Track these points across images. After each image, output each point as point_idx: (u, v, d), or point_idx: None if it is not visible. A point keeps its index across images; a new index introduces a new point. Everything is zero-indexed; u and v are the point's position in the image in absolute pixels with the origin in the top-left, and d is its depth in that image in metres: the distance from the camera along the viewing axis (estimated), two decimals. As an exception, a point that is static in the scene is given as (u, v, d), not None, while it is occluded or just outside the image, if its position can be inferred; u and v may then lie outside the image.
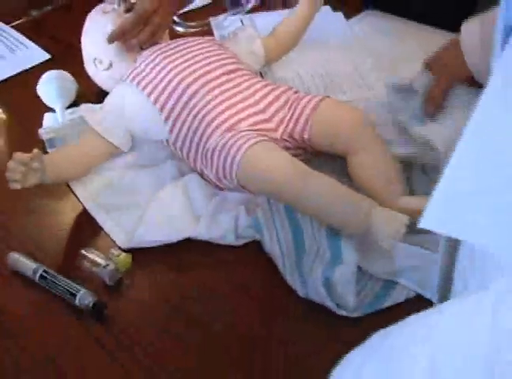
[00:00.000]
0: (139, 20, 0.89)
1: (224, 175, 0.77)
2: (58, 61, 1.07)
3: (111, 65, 0.92)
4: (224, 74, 0.83)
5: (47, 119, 0.92)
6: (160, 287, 0.75)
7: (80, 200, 0.83)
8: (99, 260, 0.74)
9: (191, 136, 0.81)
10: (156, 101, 0.83)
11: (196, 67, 0.83)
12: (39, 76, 1.01)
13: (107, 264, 0.73)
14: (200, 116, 0.80)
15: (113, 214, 0.81)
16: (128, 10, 0.92)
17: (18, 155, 0.73)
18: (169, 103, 0.82)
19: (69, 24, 1.15)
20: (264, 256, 0.76)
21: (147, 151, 0.88)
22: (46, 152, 0.87)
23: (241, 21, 1.09)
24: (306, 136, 0.79)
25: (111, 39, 0.89)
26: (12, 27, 1.15)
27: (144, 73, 0.85)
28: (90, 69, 0.95)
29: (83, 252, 0.75)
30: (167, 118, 0.82)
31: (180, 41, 0.89)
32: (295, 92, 0.83)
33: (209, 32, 1.08)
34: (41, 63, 1.07)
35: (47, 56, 1.08)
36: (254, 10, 1.13)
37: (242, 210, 0.78)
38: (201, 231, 0.77)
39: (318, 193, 0.72)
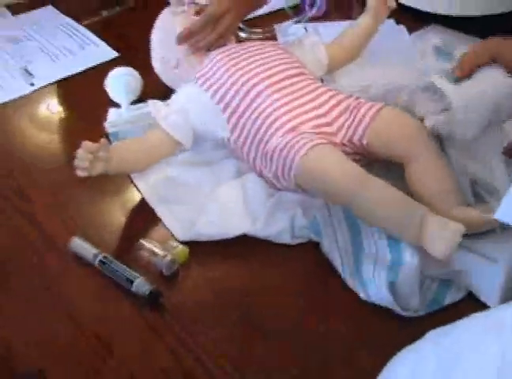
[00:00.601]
0: (208, 23, 0.92)
1: (283, 175, 0.79)
2: (125, 58, 1.10)
3: (178, 64, 0.95)
4: (287, 78, 0.85)
5: (112, 114, 0.96)
6: (215, 279, 0.77)
7: (141, 191, 0.86)
8: (157, 250, 0.76)
9: (252, 136, 0.83)
10: (219, 101, 0.85)
11: (261, 69, 0.86)
12: (106, 73, 1.05)
13: (165, 255, 0.75)
14: (262, 117, 0.82)
15: (172, 207, 0.83)
16: (197, 13, 0.95)
17: (86, 143, 0.76)
18: (233, 103, 0.84)
19: (135, 24, 1.21)
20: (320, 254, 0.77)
21: (207, 149, 0.90)
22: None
23: (305, 29, 1.11)
24: (364, 142, 0.80)
25: (180, 40, 0.92)
26: (83, 25, 1.19)
27: (209, 74, 0.88)
28: (157, 66, 0.98)
29: (142, 241, 0.78)
30: (229, 118, 0.84)
31: (246, 44, 0.92)
32: (356, 99, 0.84)
33: (272, 39, 1.10)
34: (109, 60, 1.10)
35: (115, 54, 1.12)
36: (317, 19, 1.15)
37: (298, 210, 0.80)
38: (257, 229, 0.79)
39: (373, 197, 0.73)
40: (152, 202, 0.85)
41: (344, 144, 0.81)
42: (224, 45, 0.93)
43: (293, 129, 0.80)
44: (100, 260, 0.75)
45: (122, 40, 1.16)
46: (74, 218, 0.84)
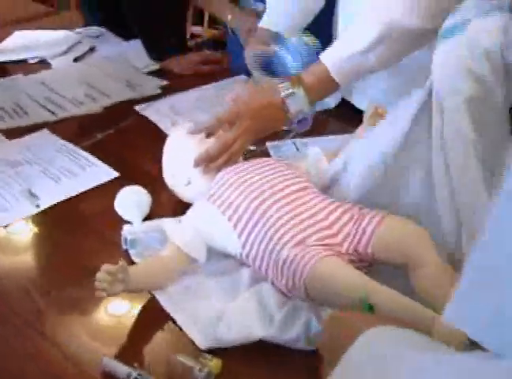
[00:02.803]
0: (223, 149, 0.99)
1: (294, 287, 0.84)
2: (124, 178, 1.15)
3: (189, 182, 1.02)
4: (293, 192, 0.92)
5: (127, 229, 0.98)
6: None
7: (160, 302, 0.88)
8: (191, 364, 0.77)
9: (263, 250, 0.88)
10: (230, 219, 0.91)
11: (267, 186, 0.92)
12: (109, 192, 1.10)
13: (201, 369, 0.76)
14: (270, 233, 0.88)
15: (191, 316, 0.86)
16: (209, 135, 1.02)
17: (106, 266, 0.81)
18: (242, 221, 0.90)
19: (129, 145, 1.27)
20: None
21: (221, 257, 0.94)
22: (128, 255, 0.94)
23: (295, 146, 1.19)
24: (369, 251, 0.86)
25: (198, 164, 1.00)
26: (80, 147, 1.24)
27: (219, 192, 0.94)
28: (169, 181, 1.05)
29: (174, 355, 0.79)
30: (240, 235, 0.90)
31: (252, 162, 0.99)
32: (360, 209, 0.91)
33: (265, 155, 1.18)
34: (110, 181, 1.15)
35: (116, 174, 1.16)
36: (305, 135, 1.24)
37: (312, 317, 0.84)
38: (274, 334, 0.82)
39: (380, 306, 0.77)
40: (172, 311, 0.87)
41: (349, 254, 0.87)
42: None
43: (300, 242, 0.86)
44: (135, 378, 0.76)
45: (119, 160, 1.21)
46: (100, 338, 0.85)
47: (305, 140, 1.21)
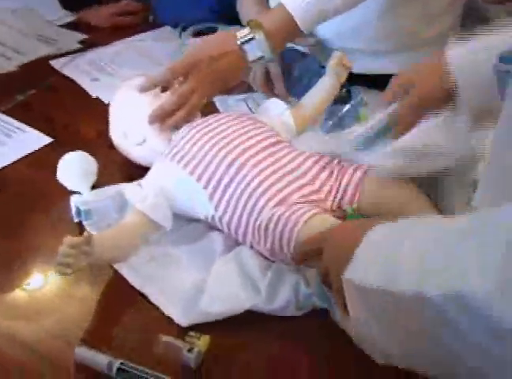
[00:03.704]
0: (179, 102, 0.90)
1: (281, 249, 0.77)
2: (59, 144, 1.03)
3: (144, 140, 0.92)
4: (266, 147, 0.84)
5: (76, 200, 0.87)
6: (240, 367, 0.71)
7: (127, 277, 0.79)
8: (178, 343, 0.70)
9: (240, 211, 0.80)
10: (199, 178, 0.82)
11: (237, 142, 0.84)
12: (43, 160, 0.98)
13: (191, 348, 0.69)
14: (248, 191, 0.80)
15: (164, 290, 0.77)
16: (164, 89, 0.92)
17: (68, 239, 0.70)
18: (213, 180, 0.81)
19: (57, 105, 1.15)
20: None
21: (184, 223, 0.85)
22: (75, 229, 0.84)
23: (246, 103, 1.11)
24: (354, 206, 0.80)
25: (152, 120, 0.90)
26: (1, 112, 1.09)
27: (184, 151, 0.85)
28: (119, 141, 0.95)
29: (159, 338, 0.70)
30: (211, 195, 0.81)
31: (214, 118, 0.89)
32: (339, 163, 0.84)
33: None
34: (43, 147, 1.02)
35: (48, 139, 1.03)
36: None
37: (300, 280, 0.77)
38: (261, 304, 0.75)
39: None
40: (141, 287, 0.78)
41: (333, 211, 0.81)
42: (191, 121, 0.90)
43: (283, 200, 0.79)
44: (118, 368, 0.67)
45: (49, 123, 1.08)
46: (67, 327, 0.74)
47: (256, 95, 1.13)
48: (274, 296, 0.76)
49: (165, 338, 0.70)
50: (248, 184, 0.80)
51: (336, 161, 0.85)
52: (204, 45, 0.95)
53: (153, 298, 0.77)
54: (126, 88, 0.96)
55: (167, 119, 0.90)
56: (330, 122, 1.04)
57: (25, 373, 0.70)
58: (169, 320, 0.74)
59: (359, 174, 0.82)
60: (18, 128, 1.06)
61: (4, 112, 1.09)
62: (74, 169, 0.91)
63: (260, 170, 0.81)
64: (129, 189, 0.82)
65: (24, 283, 0.80)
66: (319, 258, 0.68)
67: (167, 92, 0.93)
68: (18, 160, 0.99)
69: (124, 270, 0.80)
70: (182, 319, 0.74)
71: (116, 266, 0.80)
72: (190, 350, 0.69)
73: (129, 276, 0.79)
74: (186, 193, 0.83)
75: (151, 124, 0.90)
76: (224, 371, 0.70)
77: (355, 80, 1.05)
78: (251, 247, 0.81)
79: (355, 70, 1.02)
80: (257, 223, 0.78)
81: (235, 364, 0.71)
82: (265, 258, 0.80)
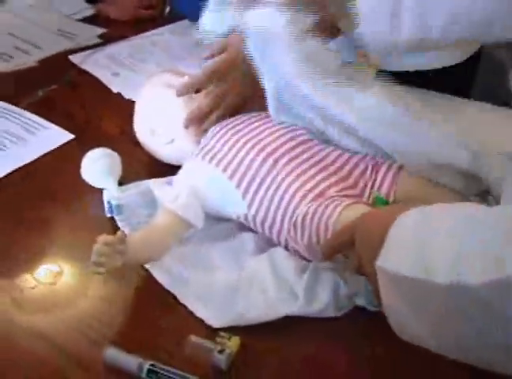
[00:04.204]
0: (215, 103, 0.89)
1: (318, 241, 0.75)
2: (81, 140, 1.02)
3: (172, 140, 0.91)
4: (297, 145, 0.83)
5: (107, 195, 0.86)
6: (267, 366, 0.70)
7: (157, 278, 0.78)
8: (208, 345, 0.69)
9: (274, 209, 0.79)
10: (231, 177, 0.81)
11: (270, 140, 0.83)
12: (66, 157, 0.98)
13: (222, 350, 0.68)
14: (282, 188, 0.79)
15: (195, 291, 0.76)
16: (197, 91, 0.91)
17: (104, 237, 0.70)
18: (246, 178, 0.80)
19: (78, 100, 1.14)
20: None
21: (213, 223, 0.84)
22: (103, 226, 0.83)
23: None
24: (390, 200, 0.79)
25: (188, 123, 0.89)
26: (22, 108, 1.09)
27: (215, 150, 0.84)
28: (146, 139, 0.95)
29: (189, 339, 0.70)
30: (244, 194, 0.80)
31: (245, 116, 0.88)
32: (372, 158, 0.83)
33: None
34: (65, 144, 1.01)
35: (70, 136, 1.03)
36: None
37: (339, 280, 0.75)
38: (300, 308, 0.73)
39: None
40: (171, 287, 0.77)
41: (369, 205, 0.79)
42: None
43: (319, 195, 0.77)
44: (149, 370, 0.66)
45: (70, 119, 1.07)
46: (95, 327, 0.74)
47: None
48: (312, 299, 0.74)
49: (195, 339, 0.69)
50: (282, 181, 0.79)
51: (368, 156, 0.83)
52: (238, 44, 0.92)
53: (183, 299, 0.75)
54: (153, 84, 0.95)
55: (201, 122, 0.89)
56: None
57: (45, 366, 0.69)
58: (198, 320, 0.73)
59: (393, 170, 0.80)
60: (40, 124, 1.05)
61: (25, 108, 1.09)
62: (99, 166, 0.89)
63: (294, 167, 0.80)
64: (158, 188, 0.81)
65: (46, 276, 0.79)
66: (352, 249, 0.67)
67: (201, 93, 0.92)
68: (40, 157, 0.99)
69: (153, 268, 0.79)
70: (214, 321, 0.72)
71: (150, 268, 0.79)
72: (220, 352, 0.68)
73: (159, 275, 0.78)
74: (218, 191, 0.82)
75: (186, 127, 0.89)
76: (255, 374, 0.69)
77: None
78: (286, 247, 0.79)
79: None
80: (293, 219, 0.77)
81: (266, 367, 0.70)
82: (301, 259, 0.78)
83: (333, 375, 0.69)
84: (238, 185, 0.80)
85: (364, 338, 0.72)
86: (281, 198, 0.78)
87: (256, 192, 0.80)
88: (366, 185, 0.80)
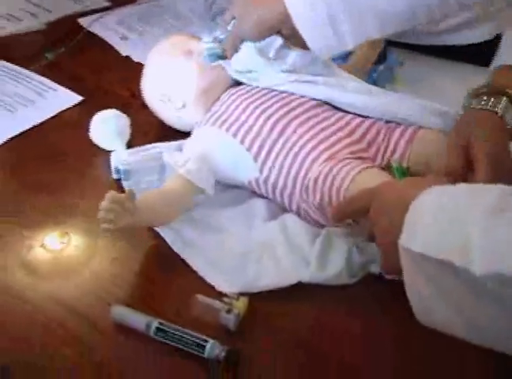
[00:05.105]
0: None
1: (329, 203, 0.75)
2: (90, 102, 1.02)
3: (183, 106, 0.90)
4: (310, 108, 0.82)
5: (115, 158, 0.86)
6: (277, 329, 0.70)
7: (167, 240, 0.78)
8: (216, 305, 0.69)
9: (286, 171, 0.79)
10: (242, 141, 0.81)
11: (281, 104, 0.83)
12: (76, 119, 0.98)
13: (230, 309, 0.68)
14: (294, 151, 0.79)
15: (205, 255, 0.76)
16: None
17: (112, 193, 0.69)
18: (257, 141, 0.80)
19: (86, 63, 1.13)
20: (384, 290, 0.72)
21: (223, 188, 0.84)
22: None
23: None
24: (404, 165, 0.78)
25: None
26: (31, 71, 1.08)
27: (225, 115, 0.83)
28: (155, 103, 0.93)
29: (196, 298, 0.70)
30: (256, 157, 0.80)
31: (254, 85, 0.87)
32: (386, 122, 0.82)
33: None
34: (75, 106, 1.01)
35: (79, 98, 1.02)
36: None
37: (352, 248, 0.75)
38: (313, 274, 0.73)
39: None
40: (181, 252, 0.77)
41: (382, 168, 0.78)
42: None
43: (331, 157, 0.77)
44: (157, 328, 0.67)
45: (79, 82, 1.07)
46: (104, 284, 0.74)
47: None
48: (325, 266, 0.73)
49: (201, 298, 0.70)
50: (293, 145, 0.79)
51: (382, 121, 0.82)
52: None
53: (193, 264, 0.75)
54: (162, 49, 0.93)
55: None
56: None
57: (59, 329, 0.69)
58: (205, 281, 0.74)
59: (409, 133, 0.80)
60: (48, 86, 1.04)
61: (34, 70, 1.08)
62: (107, 127, 0.89)
63: (306, 129, 0.79)
64: (168, 153, 0.81)
65: (55, 240, 0.79)
66: (364, 216, 0.66)
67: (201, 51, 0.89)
68: (50, 119, 0.98)
69: (164, 232, 0.78)
70: (225, 287, 0.72)
71: (160, 231, 0.79)
72: (228, 312, 0.68)
73: (169, 239, 0.78)
74: (228, 156, 0.82)
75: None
76: (265, 336, 0.69)
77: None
78: (297, 212, 0.79)
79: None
80: (306, 180, 0.77)
81: (276, 329, 0.70)
82: (313, 224, 0.78)
83: (344, 341, 0.69)
84: (249, 149, 0.80)
85: (377, 304, 0.72)
86: (293, 160, 0.78)
87: (267, 155, 0.79)
88: (379, 149, 0.80)
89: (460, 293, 0.53)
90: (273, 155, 0.79)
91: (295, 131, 0.79)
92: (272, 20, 0.81)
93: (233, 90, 0.88)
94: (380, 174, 0.74)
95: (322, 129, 0.80)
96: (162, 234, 0.78)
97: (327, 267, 0.73)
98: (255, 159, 0.80)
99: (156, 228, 0.79)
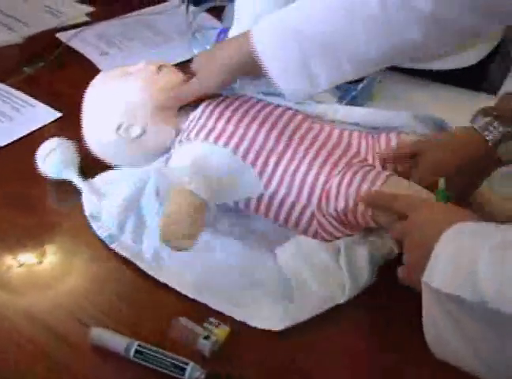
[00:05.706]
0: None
1: (356, 204, 0.73)
2: (68, 118, 1.00)
3: (144, 131, 0.84)
4: (302, 121, 0.82)
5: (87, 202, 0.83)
6: (258, 355, 0.69)
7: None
8: (196, 330, 0.68)
9: (299, 184, 0.77)
10: (245, 156, 0.78)
11: (274, 118, 0.82)
12: (53, 135, 0.95)
13: (208, 336, 0.67)
14: (305, 164, 0.77)
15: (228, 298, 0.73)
16: (159, 67, 0.86)
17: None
18: (262, 157, 0.78)
19: (65, 79, 1.11)
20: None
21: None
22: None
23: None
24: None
25: (178, 103, 0.84)
26: (8, 85, 1.07)
27: (217, 130, 0.80)
28: (107, 138, 0.85)
29: (179, 320, 0.69)
30: (261, 173, 0.78)
31: (231, 97, 0.85)
32: (367, 134, 0.83)
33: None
34: (52, 122, 1.00)
35: (57, 114, 1.01)
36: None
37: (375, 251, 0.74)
38: (349, 292, 0.72)
39: None
40: (202, 298, 0.73)
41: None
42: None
43: (348, 164, 0.77)
44: (136, 351, 0.66)
45: (57, 99, 1.05)
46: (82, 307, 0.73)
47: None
48: (357, 278, 0.72)
49: (184, 321, 0.69)
50: (304, 156, 0.78)
51: (364, 133, 0.83)
52: None
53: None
54: (108, 78, 0.89)
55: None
56: (344, 102, 1.03)
57: (31, 346, 0.68)
58: (189, 303, 0.72)
59: (393, 138, 0.81)
60: (26, 102, 1.03)
61: (11, 85, 1.07)
62: (54, 158, 0.86)
63: (309, 143, 0.79)
64: (159, 173, 0.78)
65: (31, 256, 0.79)
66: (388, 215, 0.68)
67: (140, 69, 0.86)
68: (27, 135, 0.97)
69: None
70: (268, 325, 0.70)
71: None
72: (206, 338, 0.67)
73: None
74: (227, 172, 0.78)
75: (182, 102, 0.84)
76: (240, 365, 0.68)
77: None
78: (306, 229, 0.77)
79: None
80: (326, 188, 0.75)
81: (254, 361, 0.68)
82: (327, 238, 0.76)
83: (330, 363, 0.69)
84: (253, 164, 0.78)
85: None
86: (306, 173, 0.77)
87: (274, 169, 0.77)
88: (374, 159, 0.79)
89: (482, 331, 0.53)
90: (281, 169, 0.77)
91: (300, 144, 0.79)
92: (239, 63, 0.78)
93: (210, 101, 0.84)
94: (408, 184, 0.74)
95: (325, 143, 0.80)
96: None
97: (358, 278, 0.73)
98: (260, 174, 0.78)
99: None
